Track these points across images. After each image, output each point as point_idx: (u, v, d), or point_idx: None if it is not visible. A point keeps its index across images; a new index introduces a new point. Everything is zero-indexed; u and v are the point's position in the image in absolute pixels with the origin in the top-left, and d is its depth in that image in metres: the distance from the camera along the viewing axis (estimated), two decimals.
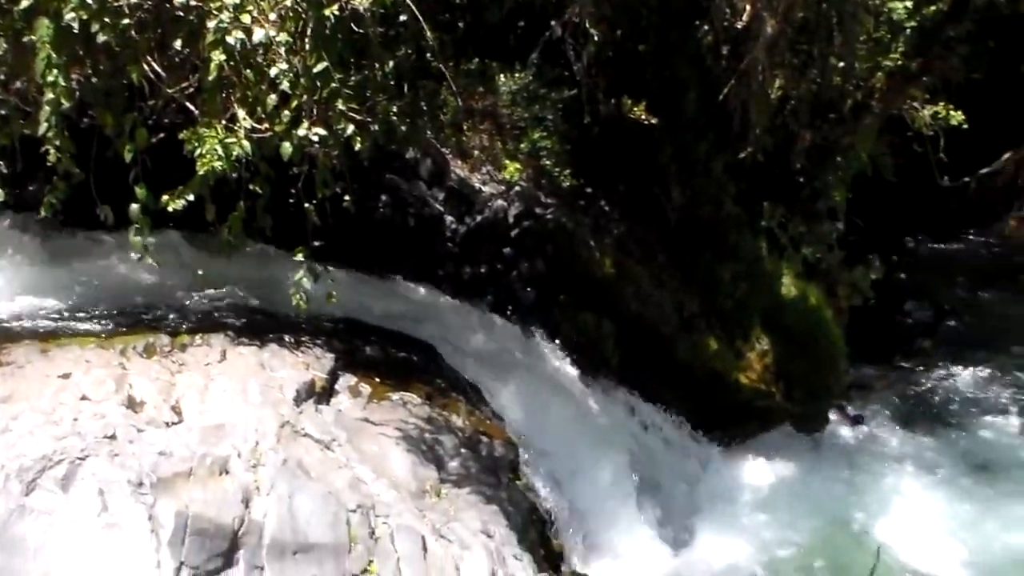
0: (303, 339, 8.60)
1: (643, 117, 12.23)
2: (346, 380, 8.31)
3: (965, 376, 16.92)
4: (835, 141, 12.16)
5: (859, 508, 12.68)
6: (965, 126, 11.95)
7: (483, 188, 11.21)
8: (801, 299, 13.19)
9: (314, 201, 7.33)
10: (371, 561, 6.15)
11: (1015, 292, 19.40)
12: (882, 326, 17.19)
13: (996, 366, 17.13)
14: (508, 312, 11.23)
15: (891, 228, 18.83)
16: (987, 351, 17.55)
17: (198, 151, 6.42)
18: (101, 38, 6.20)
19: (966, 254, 20.62)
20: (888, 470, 13.89)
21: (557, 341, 11.34)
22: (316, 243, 7.64)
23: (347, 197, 7.62)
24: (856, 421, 15.25)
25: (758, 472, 13.11)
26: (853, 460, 14.06)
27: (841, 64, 11.17)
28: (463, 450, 8.25)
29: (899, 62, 11.44)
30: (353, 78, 7.17)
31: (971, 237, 20.48)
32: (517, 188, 11.20)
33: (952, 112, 11.95)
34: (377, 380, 8.56)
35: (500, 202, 11.18)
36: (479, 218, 11.13)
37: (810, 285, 13.26)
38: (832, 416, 15.05)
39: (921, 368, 17.15)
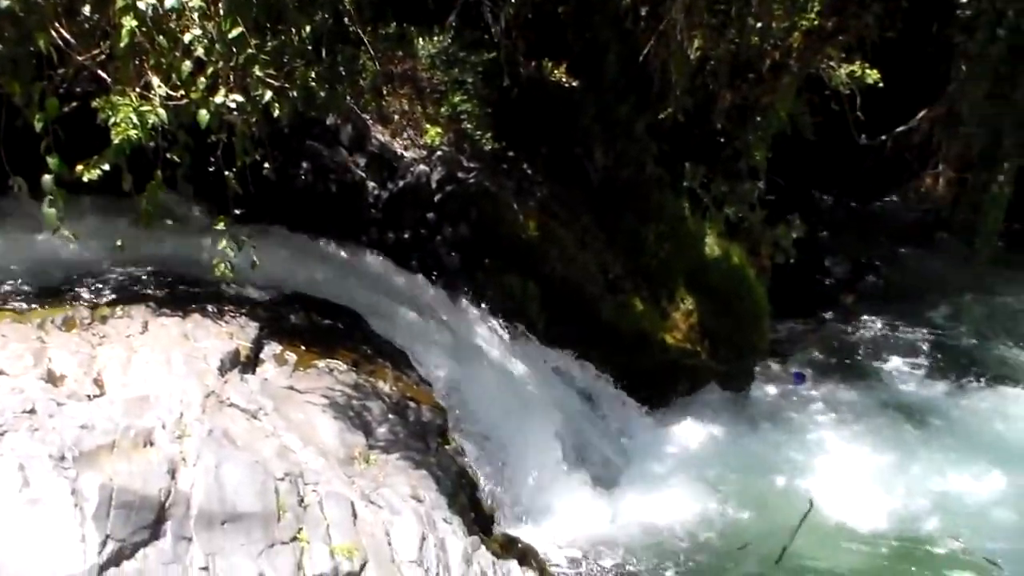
0: (227, 308, 8.53)
1: (564, 79, 12.25)
2: (271, 348, 8.26)
3: (885, 329, 17.31)
4: (755, 100, 12.24)
5: (787, 462, 12.88)
6: (881, 84, 12.10)
7: (405, 153, 11.15)
8: (724, 258, 13.34)
9: (234, 169, 7.26)
10: (300, 529, 6.12)
11: (930, 248, 19.84)
12: (805, 283, 17.48)
13: (914, 319, 17.55)
14: (433, 277, 11.22)
15: (811, 186, 19.12)
16: (905, 305, 17.97)
17: (112, 120, 6.30)
18: (4, 3, 6.05)
19: (884, 211, 20.99)
20: (814, 424, 14.15)
21: (483, 305, 11.36)
22: (238, 211, 7.58)
23: (267, 165, 7.56)
24: (799, 379, 15.48)
25: (686, 431, 13.25)
26: (779, 415, 14.29)
27: (759, 24, 11.23)
28: (391, 416, 8.25)
29: (815, 21, 11.51)
30: (270, 43, 7.08)
31: (888, 195, 20.85)
32: (439, 153, 11.16)
33: (868, 71, 12.08)
34: (303, 348, 8.53)
35: (422, 167, 11.14)
36: (401, 183, 11.08)
37: (733, 244, 13.41)
38: (775, 375, 15.32)
39: (843, 323, 17.52)
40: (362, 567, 6.09)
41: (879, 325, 17.44)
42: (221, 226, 7.39)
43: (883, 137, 13.45)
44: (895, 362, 16.41)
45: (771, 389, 15.20)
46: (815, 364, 16.12)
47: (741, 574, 10.59)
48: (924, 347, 16.93)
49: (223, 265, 7.42)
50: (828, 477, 12.51)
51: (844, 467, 12.86)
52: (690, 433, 13.20)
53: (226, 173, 7.19)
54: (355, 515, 6.49)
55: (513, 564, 7.37)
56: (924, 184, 18.65)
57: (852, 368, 16.19)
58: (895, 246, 20.04)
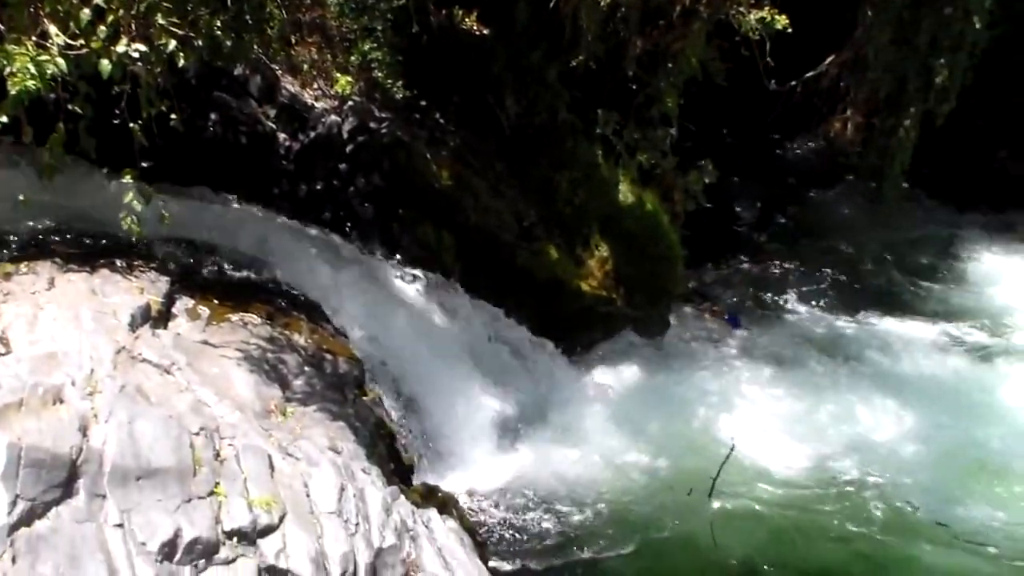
0: (136, 263, 8.38)
1: (475, 27, 12.16)
2: (183, 303, 8.16)
3: (796, 273, 17.53)
4: (666, 47, 12.24)
5: (702, 407, 13.05)
6: (789, 30, 12.19)
7: (315, 104, 11.03)
8: (638, 205, 13.39)
9: (140, 121, 7.10)
10: (217, 483, 6.07)
11: (839, 191, 20.13)
12: (717, 229, 17.66)
13: (824, 262, 17.80)
14: (347, 228, 11.13)
15: (723, 132, 19.26)
16: (816, 249, 18.22)
17: (8, 70, 6.10)
18: None
19: (794, 157, 21.22)
20: (729, 367, 14.32)
21: (398, 255, 11.32)
22: (145, 164, 7.42)
23: (174, 116, 7.40)
24: (734, 323, 15.65)
25: (604, 377, 13.34)
26: (695, 360, 14.43)
27: None
28: (307, 368, 8.21)
29: None
30: None
31: (798, 140, 21.07)
32: (350, 103, 11.06)
33: (776, 16, 12.15)
34: (215, 302, 8.44)
35: (333, 117, 11.02)
36: (312, 134, 10.96)
37: (646, 191, 13.46)
38: (690, 320, 15.47)
39: (754, 268, 17.71)
40: (281, 519, 6.07)
41: (790, 269, 17.66)
42: (128, 179, 7.23)
43: (792, 82, 13.56)
44: (806, 304, 16.67)
45: (687, 334, 15.34)
46: (729, 308, 16.31)
47: (662, 516, 10.77)
48: (834, 288, 17.21)
49: (130, 219, 7.27)
50: (745, 420, 12.73)
51: (760, 409, 13.10)
52: (607, 379, 13.30)
53: (131, 125, 7.03)
54: (272, 468, 6.47)
55: (433, 512, 7.40)
56: (833, 128, 18.91)
57: (765, 311, 16.42)
58: (805, 190, 20.27)
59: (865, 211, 18.99)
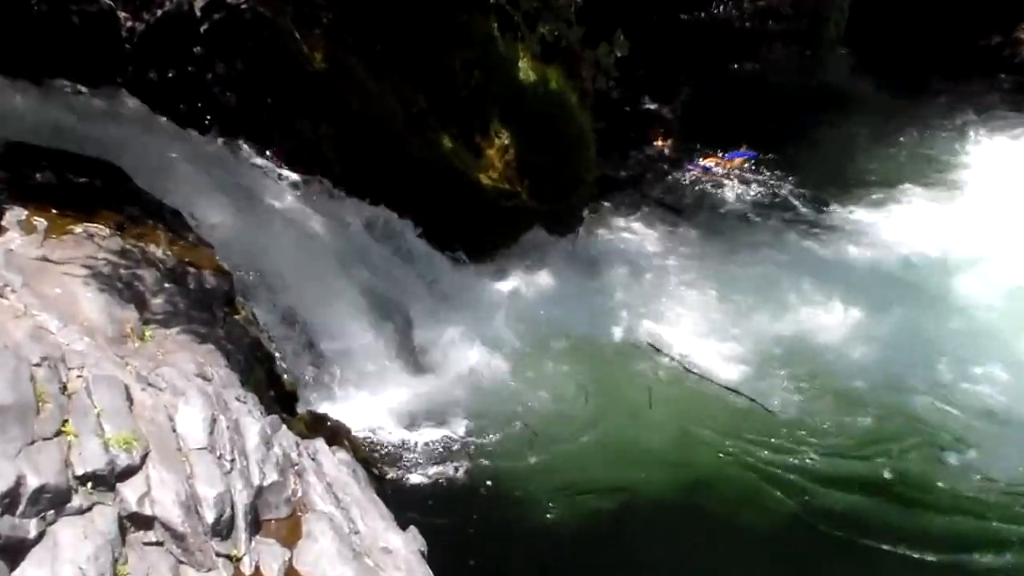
0: None
1: None
2: (15, 214, 7.80)
3: (709, 163, 17.50)
4: None
5: (622, 309, 13.08)
6: None
7: None
8: (542, 84, 13.18)
9: None
10: (66, 420, 5.84)
11: (766, 61, 20.09)
12: (628, 110, 17.57)
13: (752, 143, 17.80)
14: (208, 121, 10.79)
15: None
16: (741, 128, 18.17)
17: None
18: None
19: (715, 22, 21.09)
20: (652, 267, 14.34)
21: (268, 152, 11.03)
22: None
23: None
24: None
25: (511, 281, 13.26)
26: (611, 259, 14.40)
27: None
28: (167, 284, 7.95)
29: None
30: None
31: (720, 4, 21.00)
32: None
33: None
34: (54, 212, 8.08)
35: None
36: (159, 12, 10.54)
37: (550, 68, 13.23)
38: (606, 212, 15.43)
39: (672, 152, 17.68)
40: (143, 459, 5.87)
41: (703, 159, 17.63)
42: None
43: None
44: (734, 191, 16.73)
45: (602, 230, 15.26)
46: (641, 199, 16.29)
47: (576, 431, 10.84)
48: (766, 172, 17.27)
49: None
50: (668, 324, 12.82)
51: (685, 313, 13.17)
52: (516, 283, 13.20)
53: None
54: (131, 400, 6.25)
55: (320, 443, 7.23)
56: None
57: (688, 201, 16.47)
58: (728, 61, 20.19)
59: (796, 83, 18.99)
